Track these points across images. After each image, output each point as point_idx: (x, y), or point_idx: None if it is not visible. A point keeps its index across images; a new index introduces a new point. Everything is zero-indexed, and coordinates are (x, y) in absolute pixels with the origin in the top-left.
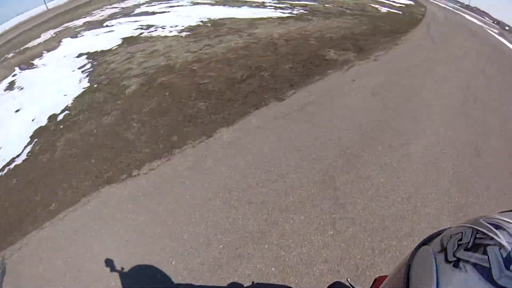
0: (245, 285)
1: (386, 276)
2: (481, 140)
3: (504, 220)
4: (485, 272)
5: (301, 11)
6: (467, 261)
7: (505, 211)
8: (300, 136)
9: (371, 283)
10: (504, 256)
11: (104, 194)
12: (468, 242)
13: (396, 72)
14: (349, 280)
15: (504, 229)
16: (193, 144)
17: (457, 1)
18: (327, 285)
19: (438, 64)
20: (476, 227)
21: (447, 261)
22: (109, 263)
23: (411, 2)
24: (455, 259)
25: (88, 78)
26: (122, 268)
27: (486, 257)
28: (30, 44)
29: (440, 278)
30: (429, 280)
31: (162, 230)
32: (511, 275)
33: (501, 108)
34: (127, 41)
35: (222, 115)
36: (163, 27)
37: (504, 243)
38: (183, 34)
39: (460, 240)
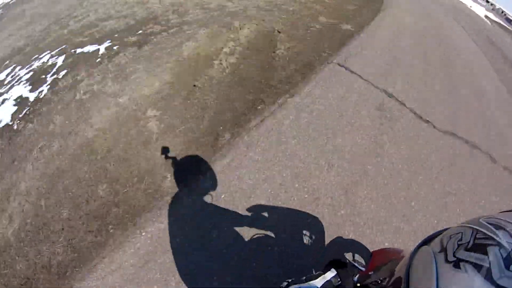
0: None
1: (382, 250)
2: None
3: (504, 220)
4: (485, 272)
5: None
6: (467, 261)
7: (505, 211)
8: None
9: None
10: (504, 256)
11: None
12: (468, 242)
13: None
14: (348, 257)
15: (504, 229)
16: None
17: None
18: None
19: None
20: (476, 227)
21: (447, 261)
22: None
23: None
24: (455, 259)
25: None
26: None
27: (486, 257)
28: None
29: (440, 278)
30: (429, 280)
31: None
32: (511, 275)
33: None
34: None
35: None
36: None
37: (504, 243)
38: None
39: (460, 240)
